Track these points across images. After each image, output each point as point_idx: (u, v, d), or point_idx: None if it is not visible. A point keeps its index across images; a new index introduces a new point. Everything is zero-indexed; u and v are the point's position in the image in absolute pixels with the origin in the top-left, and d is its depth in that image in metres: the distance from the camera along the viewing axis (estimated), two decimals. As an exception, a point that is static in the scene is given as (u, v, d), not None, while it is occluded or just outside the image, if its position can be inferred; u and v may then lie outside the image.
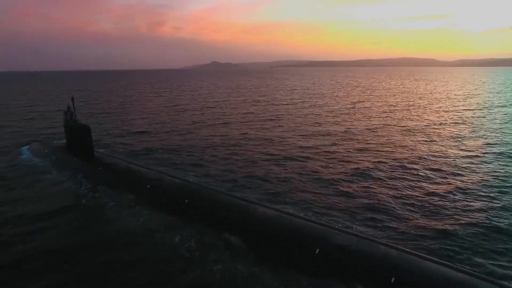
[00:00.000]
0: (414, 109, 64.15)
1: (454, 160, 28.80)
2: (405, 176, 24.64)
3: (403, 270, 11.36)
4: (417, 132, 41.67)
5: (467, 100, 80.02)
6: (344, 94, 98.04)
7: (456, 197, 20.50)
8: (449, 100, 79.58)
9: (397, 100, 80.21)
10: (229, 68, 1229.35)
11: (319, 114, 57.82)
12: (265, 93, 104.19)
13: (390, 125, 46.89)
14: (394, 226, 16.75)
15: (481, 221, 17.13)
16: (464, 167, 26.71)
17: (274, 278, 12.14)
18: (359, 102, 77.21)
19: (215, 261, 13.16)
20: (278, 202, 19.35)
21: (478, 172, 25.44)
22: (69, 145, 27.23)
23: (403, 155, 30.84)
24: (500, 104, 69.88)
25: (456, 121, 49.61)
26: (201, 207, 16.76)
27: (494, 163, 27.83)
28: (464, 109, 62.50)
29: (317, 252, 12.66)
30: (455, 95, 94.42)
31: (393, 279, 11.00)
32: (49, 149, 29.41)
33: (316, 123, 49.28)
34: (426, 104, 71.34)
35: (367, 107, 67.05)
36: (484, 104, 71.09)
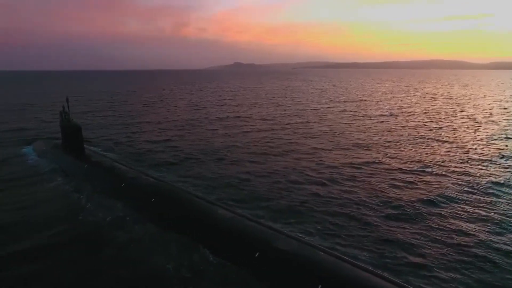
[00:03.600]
0: (457, 116, 57.01)
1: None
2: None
3: (330, 278, 11.58)
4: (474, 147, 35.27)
5: (518, 107, 71.38)
6: (376, 98, 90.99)
7: None
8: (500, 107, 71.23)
9: (437, 106, 72.78)
10: (251, 69, 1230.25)
11: (355, 122, 52.02)
12: (292, 96, 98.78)
13: (438, 136, 40.58)
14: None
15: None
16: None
17: (212, 276, 12.96)
18: (397, 108, 70.48)
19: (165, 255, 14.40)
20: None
21: None
22: (63, 143, 29.41)
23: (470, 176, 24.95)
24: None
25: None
26: (164, 204, 17.95)
27: None
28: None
29: (256, 255, 13.13)
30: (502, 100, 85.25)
31: (319, 286, 11.19)
32: (48, 147, 31.81)
33: (353, 132, 43.61)
34: (473, 111, 63.76)
35: (407, 113, 60.46)
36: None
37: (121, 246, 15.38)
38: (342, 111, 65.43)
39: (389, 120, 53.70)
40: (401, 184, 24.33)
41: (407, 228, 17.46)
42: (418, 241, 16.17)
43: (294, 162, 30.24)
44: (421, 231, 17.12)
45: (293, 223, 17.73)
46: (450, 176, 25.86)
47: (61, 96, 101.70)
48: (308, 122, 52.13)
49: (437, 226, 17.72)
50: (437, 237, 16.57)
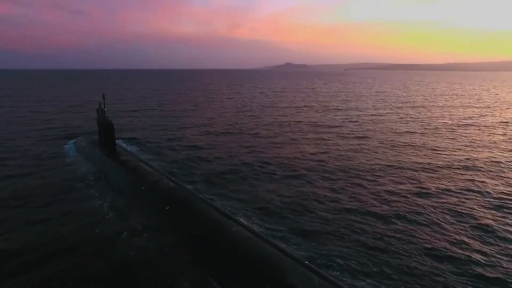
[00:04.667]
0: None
1: None
2: None
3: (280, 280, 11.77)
4: None
5: None
6: (444, 104, 80.00)
7: None
8: None
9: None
10: (302, 70, 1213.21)
11: (421, 134, 44.50)
12: (346, 99, 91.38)
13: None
14: None
15: None
16: None
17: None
18: (470, 116, 60.44)
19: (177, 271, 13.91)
20: None
21: None
22: (99, 139, 30.27)
23: None
24: None
25: None
26: (178, 213, 17.34)
27: None
28: None
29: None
30: None
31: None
32: (87, 142, 32.95)
33: (427, 147, 36.60)
34: None
35: (487, 124, 50.89)
36: None
37: (132, 268, 14.35)
38: (403, 118, 57.45)
39: (467, 132, 45.14)
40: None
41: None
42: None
43: (343, 182, 24.89)
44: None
45: (319, 253, 15.27)
46: None
47: (115, 94, 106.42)
48: (364, 131, 45.76)
49: None
50: None
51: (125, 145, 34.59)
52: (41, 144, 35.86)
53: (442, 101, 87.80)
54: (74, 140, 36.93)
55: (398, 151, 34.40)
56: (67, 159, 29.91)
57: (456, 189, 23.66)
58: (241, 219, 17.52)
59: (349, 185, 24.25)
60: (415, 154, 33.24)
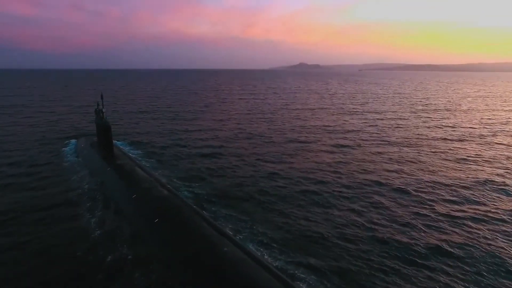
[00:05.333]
0: None
1: None
2: None
3: None
4: None
5: None
6: (468, 108, 75.16)
7: None
8: None
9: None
10: (316, 70, 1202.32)
11: (447, 139, 40.73)
12: (362, 101, 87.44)
13: None
14: None
15: None
16: None
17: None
18: (496, 121, 55.94)
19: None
20: None
21: None
22: (98, 141, 29.63)
23: None
24: None
25: None
26: (167, 228, 16.11)
27: None
28: None
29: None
30: None
31: None
32: (87, 144, 32.23)
33: (447, 159, 33.03)
34: None
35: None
36: None
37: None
38: (425, 122, 53.52)
39: (498, 140, 41.10)
40: None
41: None
42: None
43: (364, 202, 21.76)
44: None
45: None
46: None
47: (128, 94, 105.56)
48: (387, 137, 42.27)
49: None
50: None
51: (125, 147, 34.07)
52: (42, 145, 35.48)
53: (469, 104, 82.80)
54: (76, 140, 37.08)
55: (433, 162, 30.95)
56: (64, 164, 28.96)
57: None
58: (236, 237, 15.99)
59: (372, 206, 21.14)
60: (459, 168, 29.76)
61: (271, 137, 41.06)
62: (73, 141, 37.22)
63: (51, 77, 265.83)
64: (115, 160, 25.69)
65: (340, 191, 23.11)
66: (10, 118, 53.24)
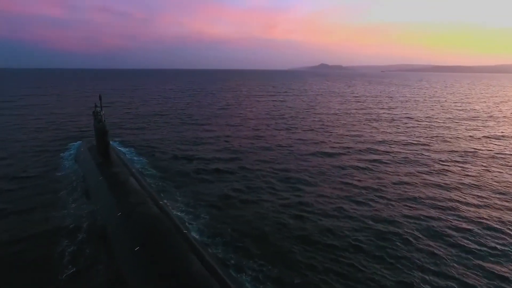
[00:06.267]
0: None
1: None
2: None
3: None
4: None
5: None
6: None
7: None
8: None
9: None
10: (338, 71, 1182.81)
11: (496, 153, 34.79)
12: (390, 106, 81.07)
13: None
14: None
15: None
16: None
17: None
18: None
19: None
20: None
21: None
22: (96, 145, 28.29)
23: None
24: None
25: None
26: (148, 260, 13.68)
27: None
28: None
29: None
30: None
31: None
32: (86, 147, 31.33)
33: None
34: None
35: None
36: None
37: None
38: (467, 132, 47.25)
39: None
40: None
41: None
42: None
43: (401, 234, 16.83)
44: None
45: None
46: None
47: (146, 94, 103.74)
48: (421, 148, 36.73)
49: None
50: None
51: (126, 153, 32.70)
52: (42, 146, 35.67)
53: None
54: (80, 142, 36.29)
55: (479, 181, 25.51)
56: (58, 174, 27.05)
57: None
58: (231, 271, 14.08)
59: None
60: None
61: (290, 148, 36.03)
62: (77, 143, 36.37)
63: (79, 77, 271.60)
64: (110, 167, 24.21)
65: (372, 218, 18.24)
66: (24, 117, 51.41)
